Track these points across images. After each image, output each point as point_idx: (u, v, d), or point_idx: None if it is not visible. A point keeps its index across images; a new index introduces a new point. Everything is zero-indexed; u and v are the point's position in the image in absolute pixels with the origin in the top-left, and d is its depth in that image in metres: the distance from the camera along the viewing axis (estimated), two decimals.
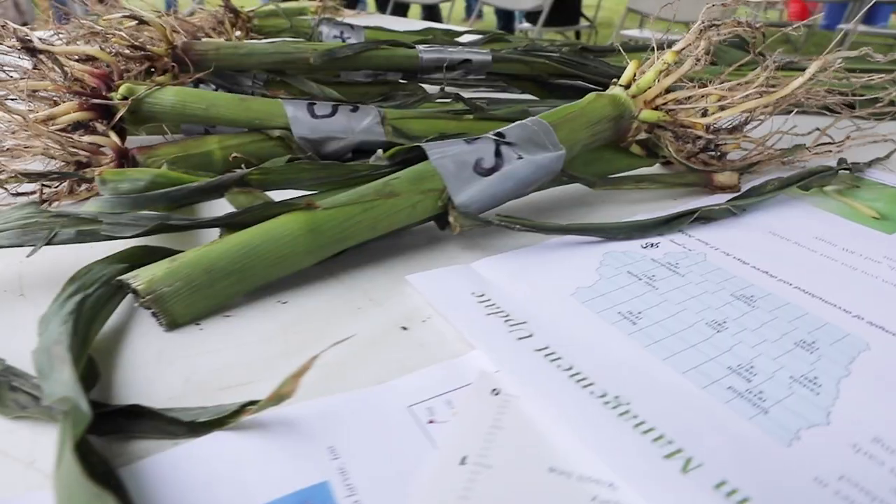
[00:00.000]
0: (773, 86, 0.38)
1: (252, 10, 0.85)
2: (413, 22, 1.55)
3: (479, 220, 0.31)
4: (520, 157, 0.32)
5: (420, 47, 0.56)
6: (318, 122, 0.43)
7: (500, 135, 0.33)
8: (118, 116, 0.40)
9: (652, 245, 0.33)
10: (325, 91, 0.53)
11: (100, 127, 0.41)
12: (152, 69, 0.49)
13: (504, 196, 0.33)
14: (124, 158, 0.39)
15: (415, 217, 0.31)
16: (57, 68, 0.40)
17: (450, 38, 0.91)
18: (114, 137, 0.40)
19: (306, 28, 0.84)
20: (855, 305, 0.28)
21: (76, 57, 0.42)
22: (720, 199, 0.38)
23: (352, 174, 0.34)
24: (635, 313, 0.27)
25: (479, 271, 0.30)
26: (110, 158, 0.39)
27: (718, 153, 0.42)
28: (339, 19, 0.86)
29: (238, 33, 0.82)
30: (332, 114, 0.43)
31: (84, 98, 0.40)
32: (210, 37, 0.75)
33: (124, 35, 0.47)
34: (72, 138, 0.37)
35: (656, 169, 0.42)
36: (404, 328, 0.27)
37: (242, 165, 0.42)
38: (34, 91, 0.40)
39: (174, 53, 0.49)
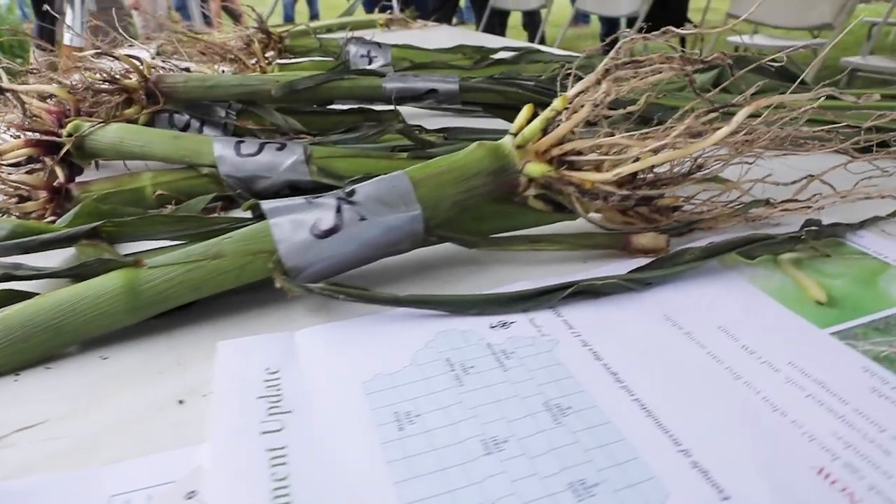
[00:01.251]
0: (698, 134, 0.32)
1: (285, 31, 0.88)
2: (466, 32, 1.52)
3: (302, 288, 0.29)
4: (363, 219, 0.30)
5: (389, 76, 0.54)
6: (243, 161, 0.43)
7: (351, 192, 0.31)
8: (63, 152, 0.43)
9: (503, 325, 0.29)
10: (288, 122, 0.53)
11: (48, 161, 0.44)
12: (131, 100, 0.52)
13: (349, 260, 0.31)
14: (57, 193, 0.42)
15: (243, 279, 0.30)
16: (19, 105, 0.44)
17: (482, 55, 0.89)
18: (59, 172, 0.43)
19: (335, 47, 0.86)
20: (692, 436, 0.23)
21: (36, 95, 0.46)
22: (628, 266, 0.33)
23: (211, 227, 0.34)
24: (412, 416, 0.24)
25: (297, 341, 0.29)
26: (43, 195, 0.42)
27: (654, 208, 0.37)
28: (367, 38, 0.86)
29: (271, 53, 0.85)
30: (258, 152, 0.43)
31: (34, 134, 0.43)
32: (239, 59, 0.79)
33: (102, 70, 0.50)
34: None
35: (580, 224, 0.38)
36: (181, 401, 0.26)
37: (172, 202, 0.44)
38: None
39: (146, 86, 0.52)
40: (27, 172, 0.43)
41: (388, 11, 1.47)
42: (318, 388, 0.26)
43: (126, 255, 0.31)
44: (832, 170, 0.37)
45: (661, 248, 0.35)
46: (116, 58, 0.50)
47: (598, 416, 0.23)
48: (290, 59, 0.88)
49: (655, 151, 0.32)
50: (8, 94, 0.44)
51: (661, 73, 0.33)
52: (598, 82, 0.32)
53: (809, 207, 0.38)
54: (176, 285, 0.29)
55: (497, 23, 3.02)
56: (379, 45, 0.88)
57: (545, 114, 0.32)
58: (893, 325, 0.29)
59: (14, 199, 0.42)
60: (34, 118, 0.45)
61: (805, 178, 0.39)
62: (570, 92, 0.32)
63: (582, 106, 0.32)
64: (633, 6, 2.26)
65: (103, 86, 0.49)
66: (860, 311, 0.30)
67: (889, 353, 0.27)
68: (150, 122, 0.54)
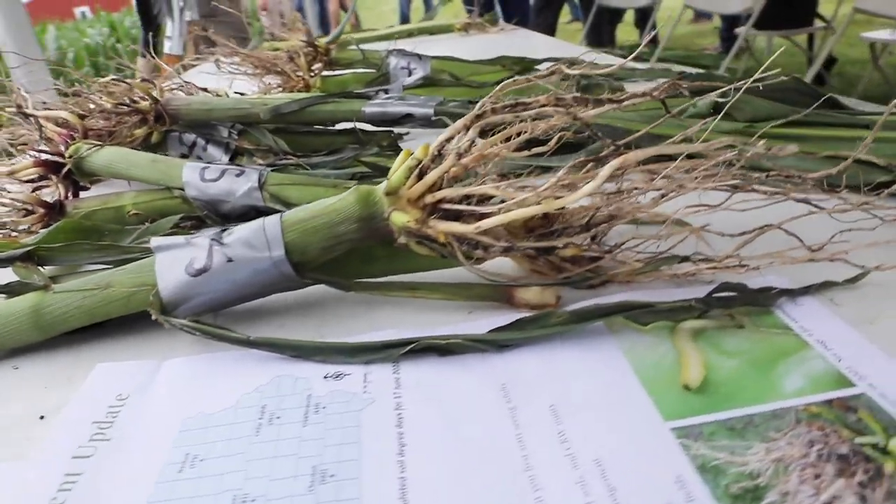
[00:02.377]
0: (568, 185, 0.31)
1: (331, 43, 0.92)
2: (530, 35, 1.48)
3: (168, 323, 0.32)
4: (230, 260, 0.32)
5: (372, 100, 0.56)
6: (206, 185, 0.47)
7: (225, 232, 0.33)
8: (64, 171, 0.50)
9: (336, 376, 0.30)
10: (278, 143, 0.56)
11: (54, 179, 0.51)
12: (145, 120, 0.58)
13: (223, 299, 0.33)
14: (51, 209, 0.48)
15: (131, 308, 0.33)
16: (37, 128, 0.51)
17: (525, 66, 0.87)
18: (61, 189, 0.50)
19: (377, 59, 0.88)
20: None
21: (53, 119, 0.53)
22: (493, 323, 0.32)
23: (128, 255, 0.37)
24: (197, 460, 0.26)
25: (161, 371, 0.32)
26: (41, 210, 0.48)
27: (560, 258, 0.35)
28: (408, 50, 0.87)
29: (318, 65, 0.89)
30: (219, 177, 0.47)
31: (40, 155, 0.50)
32: (282, 72, 0.84)
33: (116, 93, 0.56)
34: (3, 192, 0.47)
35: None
36: (42, 417, 0.30)
37: (148, 220, 0.49)
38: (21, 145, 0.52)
39: (157, 109, 0.57)
40: (37, 189, 0.50)
41: (469, 14, 1.48)
42: (145, 420, 0.28)
43: (50, 277, 0.36)
44: (790, 221, 0.33)
45: (548, 304, 0.34)
46: (129, 84, 0.56)
47: (352, 490, 0.24)
48: (336, 70, 0.92)
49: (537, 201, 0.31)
50: (30, 119, 0.51)
51: (548, 116, 0.32)
52: (466, 129, 0.32)
53: (745, 266, 0.34)
54: (73, 310, 0.33)
55: (606, 21, 2.91)
56: (419, 57, 0.89)
57: (408, 161, 0.32)
58: (754, 426, 0.26)
59: (22, 213, 0.49)
60: (47, 140, 0.51)
61: (754, 230, 0.35)
62: (441, 137, 0.32)
63: (462, 153, 0.32)
64: (746, 2, 2.07)
65: (120, 108, 0.56)
66: (728, 404, 0.27)
67: (722, 462, 0.24)
68: (163, 141, 0.60)
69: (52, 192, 0.50)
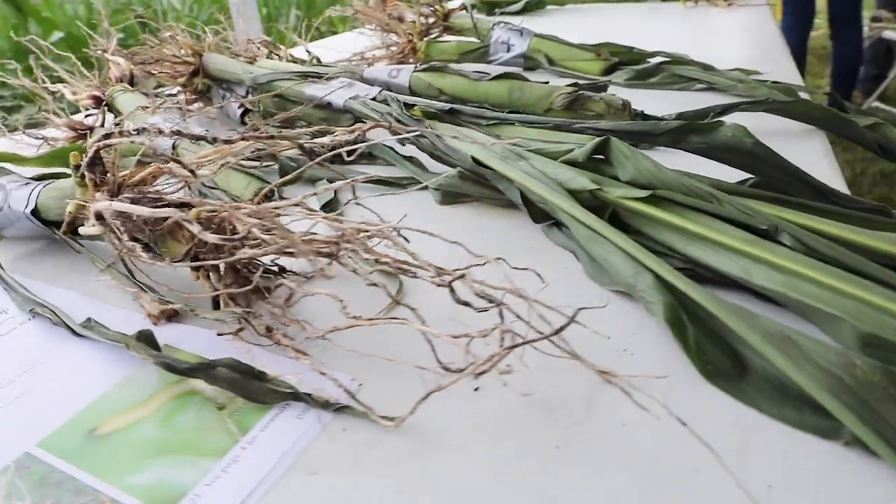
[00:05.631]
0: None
1: (453, 9, 0.91)
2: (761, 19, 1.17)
3: None
4: (9, 207, 0.41)
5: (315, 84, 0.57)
6: None
7: (24, 183, 0.41)
8: (103, 105, 0.64)
9: None
10: (259, 109, 0.62)
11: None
12: (194, 73, 0.70)
13: (17, 233, 0.42)
14: (84, 134, 0.63)
15: None
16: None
17: (627, 56, 0.75)
18: (100, 118, 0.64)
19: (485, 30, 0.85)
20: None
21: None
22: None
23: None
24: None
25: None
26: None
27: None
28: (513, 25, 0.83)
29: (436, 32, 0.90)
30: None
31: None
32: (406, 34, 0.87)
33: (174, 49, 0.68)
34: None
35: None
36: None
37: None
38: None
39: (198, 64, 0.68)
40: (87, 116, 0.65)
41: None
42: None
43: None
44: None
45: (151, 315, 0.34)
46: (178, 41, 0.67)
47: None
48: (449, 37, 0.92)
49: None
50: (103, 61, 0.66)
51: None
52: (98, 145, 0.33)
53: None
54: None
55: None
56: (521, 32, 0.83)
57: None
58: None
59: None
60: (108, 80, 0.66)
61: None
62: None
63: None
64: None
65: (168, 59, 0.68)
66: None
67: None
68: (207, 90, 0.70)
69: (96, 119, 0.65)
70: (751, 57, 0.81)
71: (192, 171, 0.35)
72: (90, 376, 0.31)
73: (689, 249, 0.34)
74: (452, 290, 0.27)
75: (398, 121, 0.49)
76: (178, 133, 0.32)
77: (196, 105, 0.69)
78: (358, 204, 0.34)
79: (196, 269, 0.34)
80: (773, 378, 0.26)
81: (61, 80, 0.68)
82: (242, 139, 0.35)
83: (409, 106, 0.50)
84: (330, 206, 0.46)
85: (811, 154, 0.51)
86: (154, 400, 0.30)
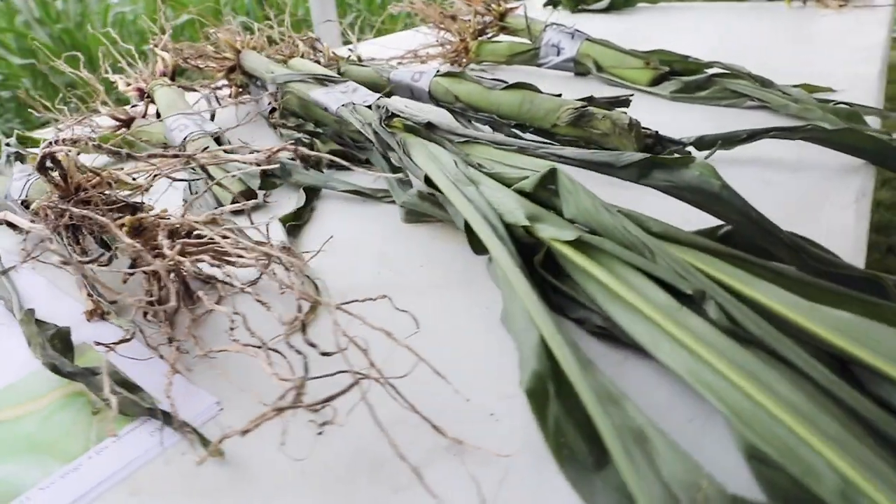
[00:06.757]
0: None
1: (511, 8, 0.87)
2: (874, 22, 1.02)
3: None
4: None
5: (323, 88, 0.57)
6: None
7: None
8: (146, 98, 0.68)
9: None
10: (279, 107, 0.64)
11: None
12: (232, 69, 0.73)
13: None
14: (127, 123, 0.68)
15: None
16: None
17: (681, 66, 0.69)
18: (141, 109, 0.69)
19: (538, 31, 0.81)
20: None
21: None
22: None
23: None
24: None
25: None
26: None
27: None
28: (565, 27, 0.78)
29: (492, 31, 0.88)
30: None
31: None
32: (458, 33, 0.86)
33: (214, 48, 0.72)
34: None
35: None
36: None
37: None
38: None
39: (237, 60, 0.71)
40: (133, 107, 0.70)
41: None
42: None
43: None
44: None
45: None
46: (218, 39, 0.70)
47: None
48: (504, 37, 0.88)
49: None
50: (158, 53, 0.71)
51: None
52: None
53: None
54: None
55: None
56: (572, 35, 0.78)
57: None
58: None
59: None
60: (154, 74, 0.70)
61: None
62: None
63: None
64: None
65: (210, 56, 0.71)
66: None
67: None
68: (246, 85, 0.73)
69: (140, 111, 0.69)
70: (838, 69, 0.70)
71: (133, 180, 0.37)
72: (8, 364, 0.34)
73: (609, 307, 0.30)
74: (304, 330, 0.26)
75: (375, 132, 0.48)
76: (100, 147, 0.33)
77: (229, 100, 0.72)
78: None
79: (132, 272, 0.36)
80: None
81: (121, 70, 0.73)
82: (174, 156, 0.36)
83: (395, 116, 0.49)
84: (297, 215, 0.46)
85: (844, 195, 0.44)
86: (47, 397, 0.31)
